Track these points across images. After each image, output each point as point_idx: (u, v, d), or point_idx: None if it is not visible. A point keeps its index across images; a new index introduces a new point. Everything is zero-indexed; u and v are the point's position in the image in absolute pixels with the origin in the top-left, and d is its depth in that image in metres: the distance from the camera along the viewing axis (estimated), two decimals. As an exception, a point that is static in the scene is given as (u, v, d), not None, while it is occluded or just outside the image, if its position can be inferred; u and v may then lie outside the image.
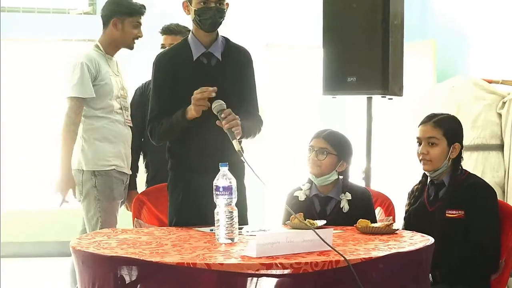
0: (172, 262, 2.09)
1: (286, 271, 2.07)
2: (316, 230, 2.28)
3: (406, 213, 3.16)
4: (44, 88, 6.64)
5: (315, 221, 2.86)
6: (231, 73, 3.09)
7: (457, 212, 2.93)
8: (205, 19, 3.00)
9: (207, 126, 2.92)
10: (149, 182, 4.19)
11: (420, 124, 3.08)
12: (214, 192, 2.49)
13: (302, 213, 2.92)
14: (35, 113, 6.72)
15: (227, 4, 3.05)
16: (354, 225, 2.82)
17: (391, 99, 4.27)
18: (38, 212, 6.53)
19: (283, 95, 7.10)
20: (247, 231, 2.74)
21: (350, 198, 3.11)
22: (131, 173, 3.92)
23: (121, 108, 3.82)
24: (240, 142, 2.79)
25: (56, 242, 6.19)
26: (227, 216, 2.46)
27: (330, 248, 2.24)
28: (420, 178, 3.16)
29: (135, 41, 3.84)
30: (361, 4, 4.18)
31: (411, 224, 3.03)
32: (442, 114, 3.11)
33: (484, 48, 5.86)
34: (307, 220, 2.83)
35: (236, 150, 2.69)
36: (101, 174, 3.70)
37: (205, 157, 2.97)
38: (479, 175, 3.40)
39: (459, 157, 3.05)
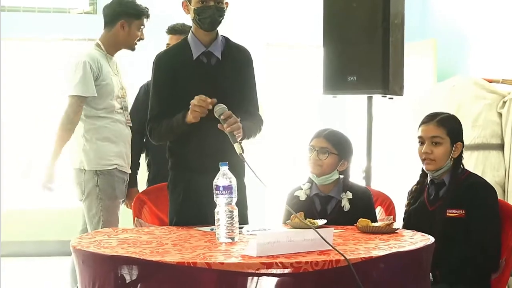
0: (173, 261, 2.09)
1: (286, 271, 2.07)
2: (316, 229, 2.28)
3: (405, 213, 3.16)
4: (45, 88, 6.64)
5: (316, 220, 2.87)
6: (231, 72, 3.09)
7: (457, 212, 2.93)
8: (204, 18, 3.00)
9: (207, 126, 2.92)
10: (150, 181, 4.20)
11: (422, 124, 3.08)
12: (214, 191, 2.49)
13: (302, 212, 2.92)
14: (35, 113, 6.72)
15: (227, 3, 3.06)
16: (355, 224, 2.82)
17: (392, 98, 4.27)
18: (38, 212, 6.53)
19: (283, 95, 7.10)
20: (248, 231, 2.74)
21: (351, 197, 3.11)
22: (131, 172, 3.92)
23: (121, 108, 3.84)
24: (240, 142, 2.79)
25: (57, 242, 6.19)
26: (228, 216, 2.46)
27: (331, 248, 2.24)
28: (418, 178, 3.16)
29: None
30: (361, 3, 4.18)
31: (411, 223, 3.03)
32: (443, 113, 3.11)
33: (485, 47, 5.86)
34: (307, 219, 2.83)
35: (238, 153, 2.69)
36: (104, 173, 3.71)
37: (205, 157, 2.97)
38: (479, 174, 3.40)
39: (460, 157, 3.05)
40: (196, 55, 3.06)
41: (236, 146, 2.72)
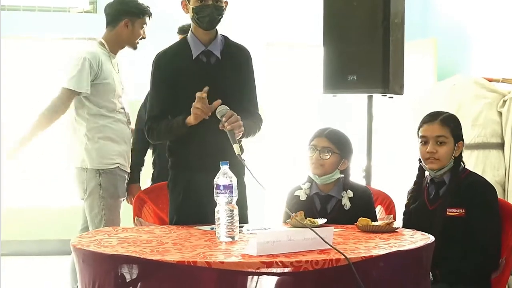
0: (173, 260, 2.09)
1: (286, 270, 2.07)
2: (316, 228, 2.28)
3: (404, 214, 3.16)
4: (45, 87, 6.63)
5: (316, 219, 2.87)
6: (231, 71, 3.09)
7: (458, 211, 2.93)
8: (203, 17, 3.00)
9: (207, 125, 2.92)
10: (155, 179, 4.22)
11: (424, 123, 3.06)
12: (214, 190, 2.49)
13: (302, 212, 2.92)
14: (35, 112, 6.70)
15: (226, 2, 3.05)
16: (355, 223, 2.82)
17: (392, 97, 4.27)
18: (38, 210, 6.54)
19: (283, 94, 7.10)
20: (248, 230, 2.74)
21: (352, 196, 3.11)
22: (133, 170, 3.95)
23: (122, 108, 3.84)
24: (240, 141, 2.79)
25: (57, 241, 6.20)
26: (228, 215, 2.46)
27: (331, 247, 2.24)
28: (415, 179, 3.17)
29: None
30: (361, 2, 4.18)
31: (411, 222, 3.02)
32: (444, 112, 3.10)
33: (485, 46, 5.86)
34: (307, 218, 2.83)
35: (236, 154, 2.69)
36: (106, 172, 3.72)
37: (206, 156, 2.97)
38: (479, 173, 3.40)
39: (460, 155, 3.06)
40: (196, 54, 3.06)
41: (235, 147, 2.72)
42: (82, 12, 6.66)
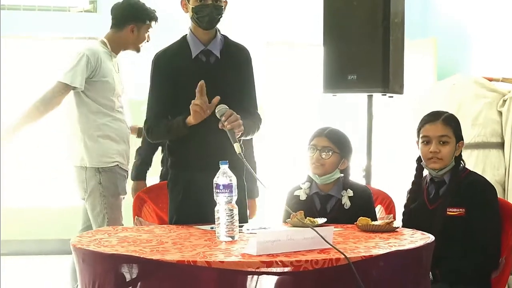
0: (173, 260, 2.09)
1: (286, 269, 2.07)
2: (316, 228, 2.28)
3: (404, 214, 3.16)
4: (44, 86, 6.62)
5: (316, 219, 2.86)
6: (230, 70, 3.08)
7: (458, 210, 2.93)
8: (202, 16, 3.00)
9: (207, 125, 2.91)
10: (163, 177, 4.23)
11: (426, 123, 3.06)
12: (214, 190, 2.49)
13: (302, 211, 2.92)
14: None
15: (225, 1, 3.05)
16: (355, 223, 2.82)
17: (392, 97, 4.27)
18: (38, 210, 6.54)
19: (283, 93, 7.09)
20: (248, 229, 2.74)
21: (352, 195, 3.11)
22: (140, 166, 3.97)
23: (121, 107, 3.84)
24: (240, 141, 2.79)
25: (57, 240, 6.20)
26: (228, 214, 2.46)
27: (331, 246, 2.23)
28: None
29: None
30: (361, 2, 4.18)
31: (411, 222, 3.02)
32: (445, 112, 3.10)
33: (485, 46, 5.86)
34: (307, 218, 2.83)
35: (237, 153, 2.69)
36: (106, 170, 3.72)
37: (206, 155, 2.97)
38: (479, 173, 3.40)
39: (460, 155, 3.06)
40: (195, 54, 3.06)
41: (236, 145, 2.72)
42: (82, 11, 6.66)
